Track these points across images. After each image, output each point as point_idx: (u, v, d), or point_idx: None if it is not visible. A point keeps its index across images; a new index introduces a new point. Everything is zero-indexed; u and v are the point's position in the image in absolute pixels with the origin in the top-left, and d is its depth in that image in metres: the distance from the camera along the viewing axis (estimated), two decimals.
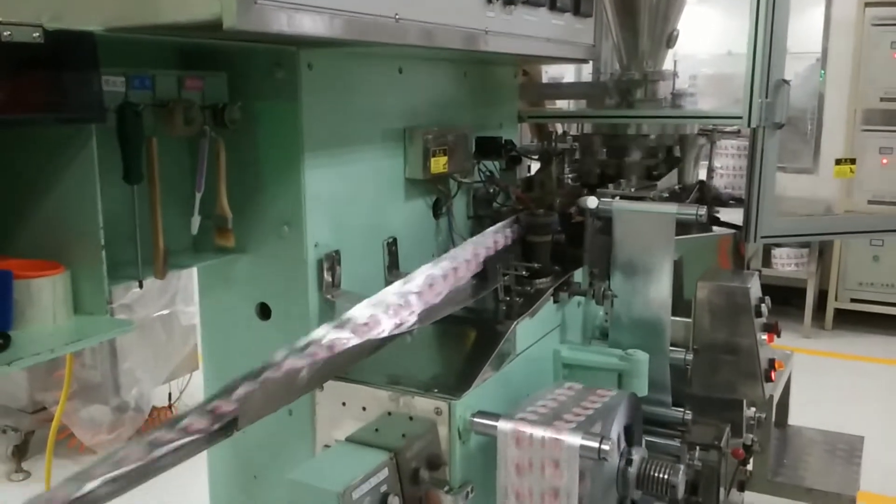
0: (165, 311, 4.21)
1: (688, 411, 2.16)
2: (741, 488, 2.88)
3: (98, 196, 1.43)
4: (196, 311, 4.24)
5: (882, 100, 5.95)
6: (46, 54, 1.35)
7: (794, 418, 3.81)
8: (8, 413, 4.18)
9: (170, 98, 1.66)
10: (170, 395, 4.51)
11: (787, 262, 6.23)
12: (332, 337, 1.54)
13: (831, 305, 6.44)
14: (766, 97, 2.37)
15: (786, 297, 6.01)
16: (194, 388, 4.46)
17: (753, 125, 2.39)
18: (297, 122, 1.80)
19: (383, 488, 1.48)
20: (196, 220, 1.78)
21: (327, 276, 1.91)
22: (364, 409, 1.69)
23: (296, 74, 1.78)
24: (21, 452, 4.15)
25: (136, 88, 1.58)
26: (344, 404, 1.72)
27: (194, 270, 2.05)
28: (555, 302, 2.07)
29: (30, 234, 1.51)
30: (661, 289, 2.12)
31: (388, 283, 1.77)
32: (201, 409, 1.34)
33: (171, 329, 4.28)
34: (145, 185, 1.63)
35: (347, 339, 1.54)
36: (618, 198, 2.25)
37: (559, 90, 3.44)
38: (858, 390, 5.23)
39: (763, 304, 2.35)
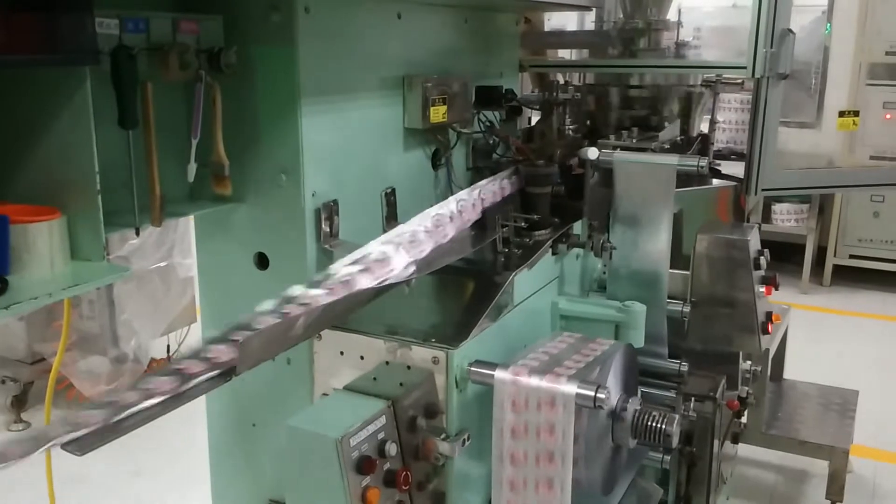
0: (163, 264, 4.21)
1: (684, 363, 2.17)
2: (735, 440, 2.91)
3: (93, 139, 1.41)
4: (193, 263, 4.24)
5: (887, 53, 5.88)
6: None
7: (790, 373, 3.84)
8: (7, 364, 4.21)
9: (164, 42, 1.62)
10: (168, 346, 4.54)
11: (786, 218, 6.22)
12: (346, 272, 1.55)
13: (830, 261, 6.45)
14: (771, 47, 2.34)
15: (785, 253, 6.02)
16: (193, 341, 4.48)
17: (758, 75, 2.36)
18: (293, 68, 1.77)
19: (381, 435, 1.49)
20: (192, 168, 1.76)
21: (325, 226, 1.90)
22: (362, 358, 1.70)
23: (292, 18, 1.74)
24: (20, 403, 4.19)
25: (129, 31, 1.55)
26: (342, 353, 1.72)
27: (191, 222, 2.04)
28: (553, 254, 2.06)
29: (25, 180, 1.49)
30: (659, 241, 2.11)
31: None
32: (225, 338, 1.35)
33: (169, 281, 4.28)
34: (141, 132, 1.61)
35: (358, 275, 1.55)
36: (619, 149, 2.23)
37: (561, 38, 3.38)
38: (854, 346, 5.27)
39: (762, 257, 2.34)
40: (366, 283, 1.58)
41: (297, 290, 1.49)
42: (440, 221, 1.82)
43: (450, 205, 1.88)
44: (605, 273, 2.27)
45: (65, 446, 1.14)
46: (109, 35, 1.50)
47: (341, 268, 1.58)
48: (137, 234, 1.65)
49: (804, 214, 6.22)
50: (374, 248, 1.67)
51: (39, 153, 1.46)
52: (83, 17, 1.39)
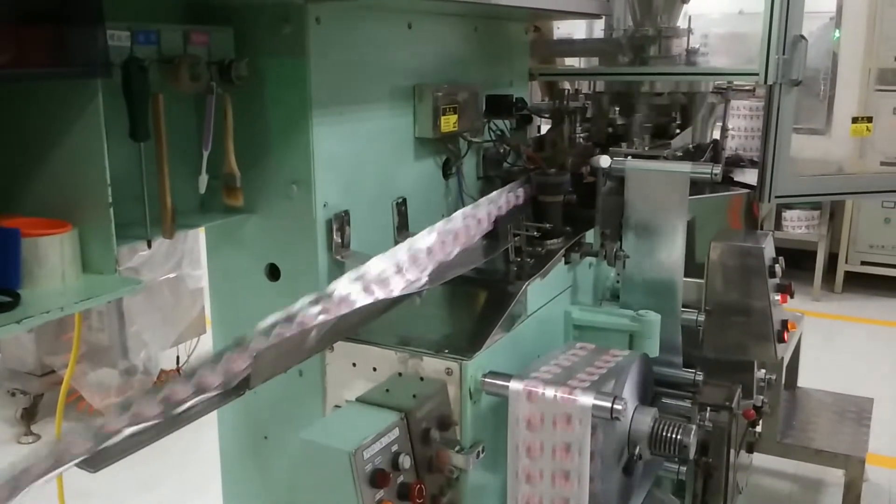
0: (172, 275, 4.21)
1: (699, 372, 2.15)
2: (750, 449, 2.88)
3: (105, 152, 1.40)
4: (203, 274, 4.24)
5: None
6: (50, 7, 1.32)
7: (804, 381, 3.81)
8: (17, 376, 4.20)
9: (175, 54, 1.62)
10: (178, 358, 4.53)
11: (797, 225, 6.18)
12: (343, 291, 1.53)
13: (841, 268, 6.41)
14: (784, 53, 2.32)
15: (796, 260, 5.97)
16: (202, 352, 4.47)
17: (770, 82, 2.35)
18: (304, 79, 1.76)
19: (394, 448, 1.48)
20: (203, 179, 1.75)
21: (336, 237, 1.89)
22: (375, 369, 1.69)
23: (303, 29, 1.74)
24: (30, 415, 4.18)
25: (141, 43, 1.55)
26: (354, 365, 1.71)
27: (201, 234, 2.03)
28: (566, 263, 2.05)
29: (37, 192, 1.48)
30: (673, 249, 2.09)
31: (397, 244, 1.75)
32: (213, 364, 1.34)
33: (179, 292, 4.27)
34: (152, 145, 1.61)
35: (358, 294, 1.54)
36: (630, 157, 2.21)
37: (571, 47, 3.37)
38: (868, 353, 5.23)
39: (777, 265, 2.32)
40: (371, 299, 1.57)
41: (293, 308, 1.48)
42: (449, 234, 1.80)
43: (453, 221, 1.86)
44: (618, 282, 2.25)
45: (79, 464, 1.12)
46: (121, 47, 1.50)
47: (338, 286, 1.56)
48: (149, 246, 1.64)
49: (815, 221, 6.18)
50: (375, 265, 1.64)
51: (51, 166, 1.46)
52: (94, 29, 1.38)
